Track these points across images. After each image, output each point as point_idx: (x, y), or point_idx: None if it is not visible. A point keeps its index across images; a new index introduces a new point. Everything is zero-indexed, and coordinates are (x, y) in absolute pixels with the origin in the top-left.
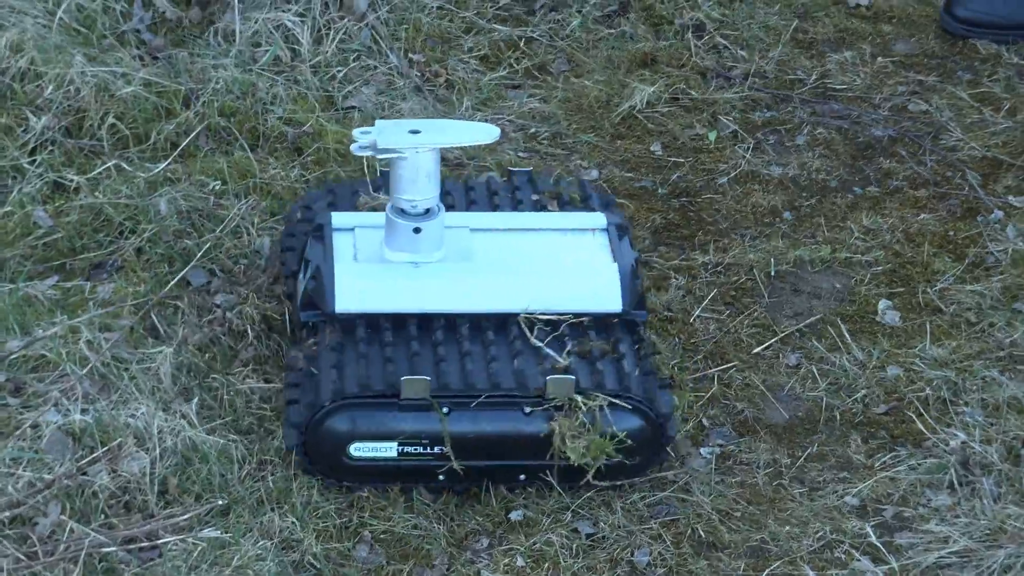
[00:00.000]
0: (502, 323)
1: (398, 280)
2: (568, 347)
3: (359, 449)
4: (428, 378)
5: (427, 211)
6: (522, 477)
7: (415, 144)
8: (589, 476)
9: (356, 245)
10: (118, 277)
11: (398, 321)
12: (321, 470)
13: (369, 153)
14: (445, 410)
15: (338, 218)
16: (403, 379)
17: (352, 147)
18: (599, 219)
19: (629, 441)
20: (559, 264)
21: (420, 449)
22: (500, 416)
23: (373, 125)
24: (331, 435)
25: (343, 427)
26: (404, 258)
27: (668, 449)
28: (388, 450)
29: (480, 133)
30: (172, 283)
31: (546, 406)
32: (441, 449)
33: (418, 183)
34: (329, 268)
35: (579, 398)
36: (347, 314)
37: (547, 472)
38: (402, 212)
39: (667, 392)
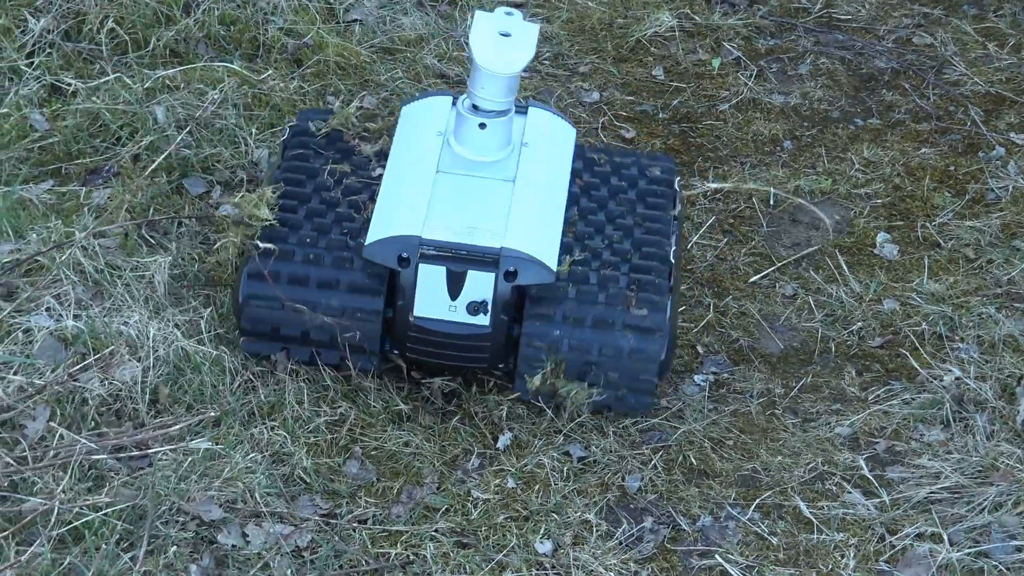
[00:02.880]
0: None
1: (417, 127)
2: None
3: None
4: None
5: (491, 111)
6: None
7: (473, 41)
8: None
9: None
10: (115, 183)
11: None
12: None
13: None
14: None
15: None
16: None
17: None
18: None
19: None
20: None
21: None
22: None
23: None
24: None
25: None
26: (451, 132)
27: None
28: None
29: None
30: (169, 191)
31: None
32: None
33: (471, 74)
34: (420, 97)
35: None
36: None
37: None
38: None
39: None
